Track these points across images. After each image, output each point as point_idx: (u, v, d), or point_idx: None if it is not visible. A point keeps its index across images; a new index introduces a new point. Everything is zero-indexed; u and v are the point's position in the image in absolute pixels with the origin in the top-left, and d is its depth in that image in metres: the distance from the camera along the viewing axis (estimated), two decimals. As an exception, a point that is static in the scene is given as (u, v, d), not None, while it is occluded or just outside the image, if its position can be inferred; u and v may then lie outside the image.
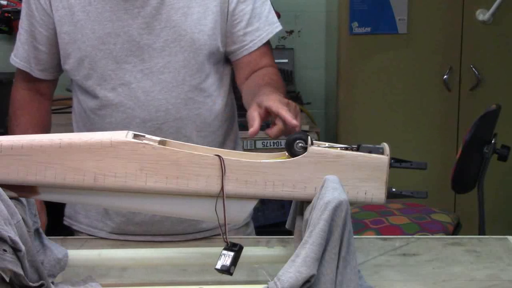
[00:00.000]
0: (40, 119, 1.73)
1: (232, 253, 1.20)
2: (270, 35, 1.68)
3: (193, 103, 1.63)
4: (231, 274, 1.19)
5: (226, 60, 1.70)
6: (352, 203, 1.16)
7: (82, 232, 1.73)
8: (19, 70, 1.73)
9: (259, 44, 1.66)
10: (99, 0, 1.59)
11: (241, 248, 1.21)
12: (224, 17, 1.63)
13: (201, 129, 1.65)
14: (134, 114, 1.60)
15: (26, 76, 1.72)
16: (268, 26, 1.68)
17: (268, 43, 1.70)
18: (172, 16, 1.59)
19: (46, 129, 1.73)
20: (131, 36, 1.59)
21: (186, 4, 1.59)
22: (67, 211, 1.77)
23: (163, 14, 1.58)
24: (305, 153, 1.19)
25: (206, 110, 1.66)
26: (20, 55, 1.71)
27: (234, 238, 1.31)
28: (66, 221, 1.77)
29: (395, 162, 1.23)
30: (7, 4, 3.27)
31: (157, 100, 1.61)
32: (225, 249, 1.21)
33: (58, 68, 1.71)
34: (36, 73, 1.71)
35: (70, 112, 3.15)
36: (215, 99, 1.67)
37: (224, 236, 1.20)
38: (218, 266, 1.19)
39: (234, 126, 1.77)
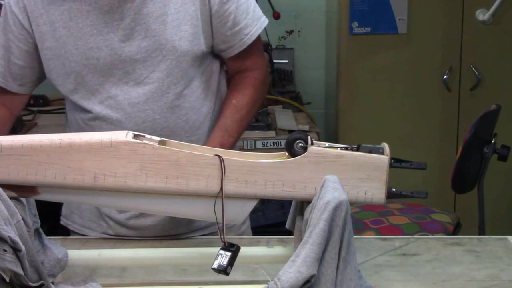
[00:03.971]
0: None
1: (229, 253, 1.20)
2: (259, 30, 1.66)
3: (180, 110, 1.62)
4: (227, 274, 1.19)
5: (214, 56, 1.69)
6: (352, 203, 1.16)
7: (76, 233, 1.73)
8: None
9: (249, 42, 1.65)
10: (80, 15, 1.57)
11: (238, 248, 1.22)
12: (206, 19, 1.60)
13: (191, 133, 1.64)
14: (122, 126, 1.59)
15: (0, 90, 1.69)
16: (256, 21, 1.65)
17: (257, 37, 1.68)
18: (151, 25, 1.57)
19: None
20: (113, 49, 1.57)
21: (163, 11, 1.57)
22: (63, 211, 1.78)
23: (141, 24, 1.57)
24: (305, 153, 1.19)
25: (194, 114, 1.65)
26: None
27: (233, 238, 1.31)
28: (63, 221, 1.78)
29: (395, 162, 1.23)
30: (7, 4, 3.26)
31: (143, 111, 1.60)
32: (222, 249, 1.21)
33: (37, 82, 1.70)
34: (15, 88, 1.68)
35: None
36: (203, 101, 1.67)
37: (222, 236, 1.20)
38: (215, 265, 1.19)
39: None
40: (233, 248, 1.21)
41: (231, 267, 1.20)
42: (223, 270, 1.19)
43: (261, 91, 1.71)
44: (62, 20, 1.58)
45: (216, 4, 1.59)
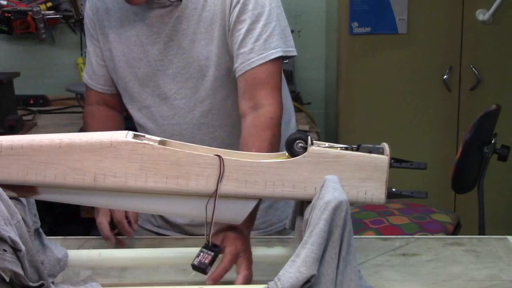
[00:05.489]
0: (112, 127, 1.70)
1: (212, 253, 1.22)
2: (262, 61, 1.53)
3: (207, 127, 1.63)
4: (206, 273, 1.20)
5: None
6: (352, 203, 1.16)
7: (140, 226, 1.76)
8: (88, 90, 1.75)
9: (247, 68, 1.53)
10: (128, 24, 1.62)
11: (220, 250, 1.23)
12: (226, 37, 1.57)
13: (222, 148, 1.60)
14: (155, 135, 1.59)
15: (95, 95, 1.74)
16: (263, 50, 1.53)
17: (270, 69, 1.54)
18: (182, 43, 1.59)
19: None
20: (149, 62, 1.62)
21: (194, 30, 1.58)
22: None
23: (175, 40, 1.59)
24: (305, 153, 1.19)
25: (225, 131, 1.64)
26: (89, 75, 1.73)
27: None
28: None
29: (395, 162, 1.23)
30: (7, 4, 3.26)
31: (171, 125, 1.64)
32: (204, 247, 1.22)
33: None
34: (100, 88, 1.73)
35: (70, 112, 3.16)
36: (240, 118, 1.59)
37: (207, 236, 1.22)
38: (196, 262, 1.21)
39: None
40: (216, 249, 1.22)
41: (211, 267, 1.21)
42: (203, 269, 1.20)
43: (278, 131, 1.54)
44: (115, 27, 1.64)
45: (232, 22, 1.56)
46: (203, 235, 1.62)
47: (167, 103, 1.63)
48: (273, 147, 1.49)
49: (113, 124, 1.72)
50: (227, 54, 1.58)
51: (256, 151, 1.43)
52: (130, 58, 1.63)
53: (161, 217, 1.75)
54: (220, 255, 1.25)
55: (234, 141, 1.62)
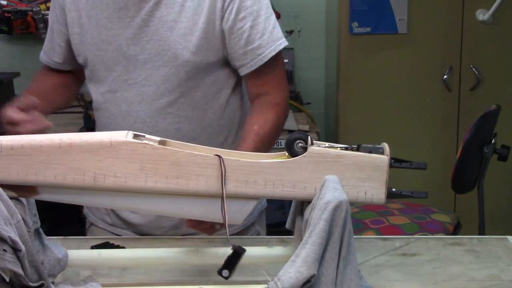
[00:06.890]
0: (49, 88, 1.74)
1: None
2: (273, 53, 1.59)
3: (172, 117, 1.62)
4: (223, 277, 1.18)
5: (233, 71, 1.65)
6: (352, 203, 1.16)
7: (92, 224, 1.78)
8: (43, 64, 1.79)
9: (260, 63, 1.59)
10: (100, 6, 1.61)
11: (237, 252, 1.19)
12: (216, 33, 1.57)
13: (185, 142, 1.62)
14: (117, 121, 1.63)
15: (49, 69, 1.79)
16: (271, 42, 1.59)
17: (276, 60, 1.61)
18: (159, 29, 1.57)
19: (50, 101, 1.71)
20: (120, 46, 1.60)
21: (174, 18, 1.57)
22: None
23: (151, 26, 1.58)
24: (305, 153, 1.19)
25: (189, 124, 1.63)
26: (44, 50, 1.78)
27: (232, 238, 1.30)
28: (85, 211, 1.82)
29: (395, 162, 1.23)
30: (7, 4, 3.26)
31: (136, 112, 1.62)
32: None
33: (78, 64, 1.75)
34: (60, 66, 1.77)
35: (70, 112, 3.17)
36: (205, 112, 1.64)
37: (227, 238, 1.20)
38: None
39: (237, 134, 1.70)
40: (229, 254, 1.19)
41: (229, 271, 1.18)
42: (219, 273, 1.19)
43: (283, 117, 1.63)
44: (86, 9, 1.63)
45: (230, 20, 1.56)
46: (159, 235, 1.66)
47: (134, 89, 1.61)
48: (277, 130, 1.58)
49: (50, 86, 1.75)
50: (209, 48, 1.58)
51: (257, 128, 1.54)
52: (99, 41, 1.61)
53: (116, 215, 1.72)
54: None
55: (197, 136, 1.63)
